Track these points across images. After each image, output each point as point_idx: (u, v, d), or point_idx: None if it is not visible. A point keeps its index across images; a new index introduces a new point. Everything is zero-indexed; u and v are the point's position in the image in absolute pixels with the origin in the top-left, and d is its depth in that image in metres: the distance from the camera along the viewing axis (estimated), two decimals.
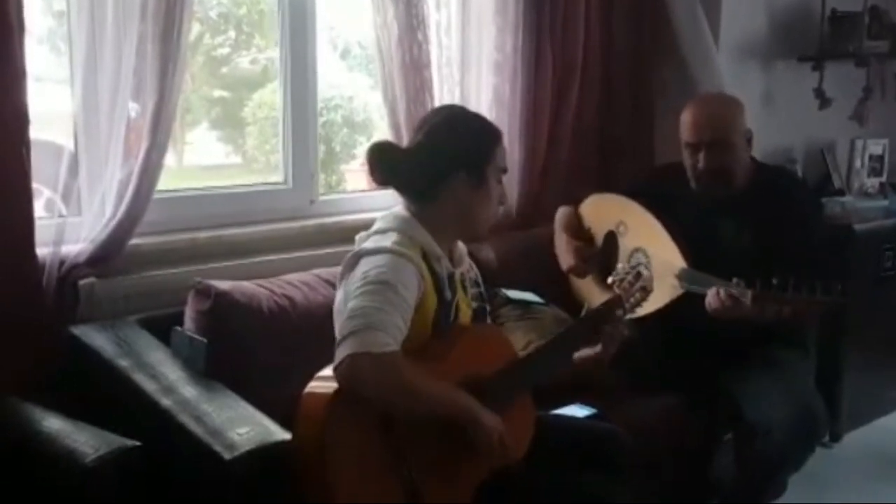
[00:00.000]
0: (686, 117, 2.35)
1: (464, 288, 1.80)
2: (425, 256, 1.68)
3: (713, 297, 2.11)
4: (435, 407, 1.56)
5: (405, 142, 2.43)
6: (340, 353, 1.47)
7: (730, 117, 2.32)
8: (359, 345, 1.46)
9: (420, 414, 1.56)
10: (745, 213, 2.31)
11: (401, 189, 1.77)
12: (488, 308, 1.91)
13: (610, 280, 1.95)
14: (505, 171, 1.82)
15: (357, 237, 1.75)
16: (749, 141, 2.35)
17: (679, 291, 2.23)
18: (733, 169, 2.32)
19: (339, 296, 1.69)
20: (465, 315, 1.79)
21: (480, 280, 1.89)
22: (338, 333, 1.53)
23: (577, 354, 1.86)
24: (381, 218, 1.76)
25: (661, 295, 2.16)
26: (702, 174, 2.32)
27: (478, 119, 1.83)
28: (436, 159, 1.72)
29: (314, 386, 1.57)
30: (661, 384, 2.33)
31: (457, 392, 1.59)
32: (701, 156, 2.30)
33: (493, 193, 1.77)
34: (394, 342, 1.49)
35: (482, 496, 1.66)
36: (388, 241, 1.65)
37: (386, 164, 1.73)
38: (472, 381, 1.65)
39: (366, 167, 2.94)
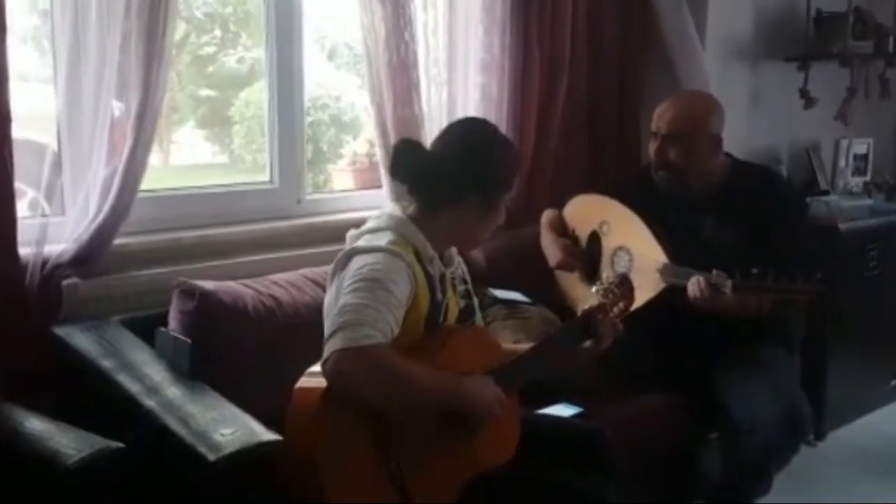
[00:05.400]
0: (656, 109, 2.38)
1: (453, 287, 1.80)
2: (418, 257, 1.67)
3: (693, 285, 2.12)
4: (427, 394, 1.55)
5: (392, 141, 2.43)
6: (328, 348, 1.46)
7: (697, 115, 2.33)
8: (346, 340, 1.44)
9: (411, 404, 1.55)
10: (726, 209, 2.32)
11: (412, 190, 1.74)
12: (476, 302, 1.90)
13: (594, 289, 1.94)
14: (512, 196, 1.81)
15: (349, 234, 1.73)
16: (716, 146, 2.34)
17: (661, 286, 2.24)
18: (687, 166, 2.31)
19: (329, 294, 1.67)
20: (453, 314, 1.79)
21: (468, 276, 1.88)
22: (327, 330, 1.52)
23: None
24: (374, 217, 1.75)
25: (645, 291, 2.17)
26: (656, 165, 2.35)
27: (507, 147, 1.79)
28: (455, 177, 1.69)
29: (305, 381, 1.58)
30: (648, 383, 2.33)
31: (447, 375, 1.58)
32: (657, 146, 2.32)
33: (498, 218, 1.78)
34: (382, 337, 1.48)
35: (469, 496, 1.66)
36: (382, 240, 1.64)
37: (409, 162, 1.72)
38: None
39: (355, 166, 2.99)
